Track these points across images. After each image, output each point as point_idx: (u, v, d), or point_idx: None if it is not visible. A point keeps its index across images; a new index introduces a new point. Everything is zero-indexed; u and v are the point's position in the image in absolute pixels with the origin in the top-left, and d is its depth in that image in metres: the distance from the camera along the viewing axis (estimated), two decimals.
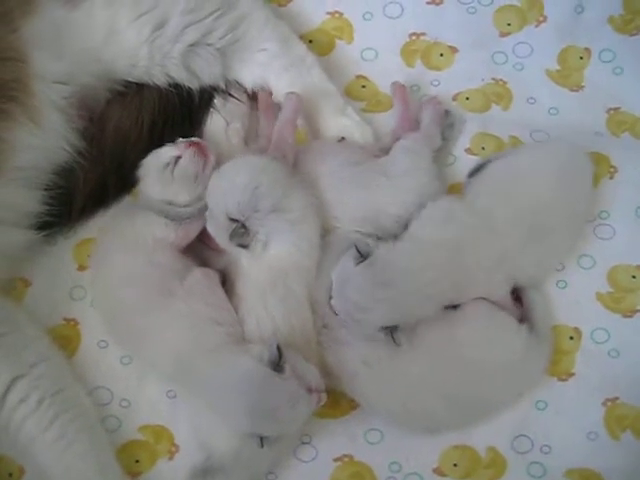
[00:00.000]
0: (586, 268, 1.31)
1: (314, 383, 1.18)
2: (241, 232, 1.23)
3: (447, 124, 1.39)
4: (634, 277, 1.31)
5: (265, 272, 1.25)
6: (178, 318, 1.24)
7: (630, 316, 1.29)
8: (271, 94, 1.41)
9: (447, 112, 1.40)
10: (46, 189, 1.34)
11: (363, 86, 1.46)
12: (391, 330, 1.19)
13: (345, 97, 1.43)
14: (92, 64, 1.32)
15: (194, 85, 1.37)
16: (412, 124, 1.38)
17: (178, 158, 1.31)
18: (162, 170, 1.31)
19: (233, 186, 1.24)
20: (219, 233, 1.26)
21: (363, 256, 1.19)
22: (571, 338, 1.29)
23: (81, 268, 1.36)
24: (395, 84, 1.40)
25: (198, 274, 1.28)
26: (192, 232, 1.30)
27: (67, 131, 1.32)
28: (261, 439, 1.16)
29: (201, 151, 1.31)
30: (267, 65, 1.39)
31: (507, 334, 1.25)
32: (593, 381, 1.27)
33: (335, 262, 1.26)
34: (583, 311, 1.30)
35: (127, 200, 1.38)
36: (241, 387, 1.16)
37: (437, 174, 1.32)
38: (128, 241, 1.30)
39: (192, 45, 1.35)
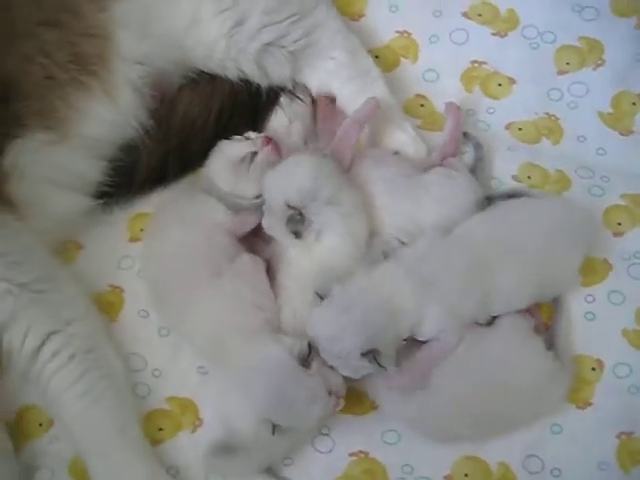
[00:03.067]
0: (615, 304, 1.29)
1: (335, 387, 1.17)
2: (298, 219, 1.24)
3: (475, 143, 1.39)
4: None
5: (312, 265, 1.24)
6: (222, 297, 1.25)
7: None
8: (333, 101, 1.41)
9: (466, 133, 1.40)
10: (110, 161, 1.35)
11: (422, 105, 1.46)
12: (373, 355, 1.15)
13: (404, 113, 1.43)
14: (172, 49, 1.34)
15: (263, 82, 1.38)
16: (458, 146, 1.38)
17: (254, 154, 1.32)
18: (237, 163, 1.33)
19: (295, 175, 1.26)
20: (276, 222, 1.26)
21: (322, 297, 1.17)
22: (593, 369, 1.26)
23: (132, 240, 1.36)
24: (450, 104, 1.40)
25: (246, 258, 1.28)
26: (249, 224, 1.31)
27: (138, 109, 1.34)
28: (273, 427, 1.15)
29: (276, 149, 1.33)
30: (334, 73, 1.40)
31: (536, 358, 1.23)
32: (610, 413, 1.24)
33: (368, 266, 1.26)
34: (608, 345, 1.28)
35: (186, 181, 1.38)
36: (266, 373, 1.16)
37: (475, 198, 1.30)
38: (186, 219, 1.31)
39: (267, 45, 1.36)
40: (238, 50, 1.34)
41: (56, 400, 1.20)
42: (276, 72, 1.38)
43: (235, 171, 1.32)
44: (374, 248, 1.28)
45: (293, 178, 1.26)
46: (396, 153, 1.37)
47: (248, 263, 1.27)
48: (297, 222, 1.24)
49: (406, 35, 1.49)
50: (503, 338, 1.24)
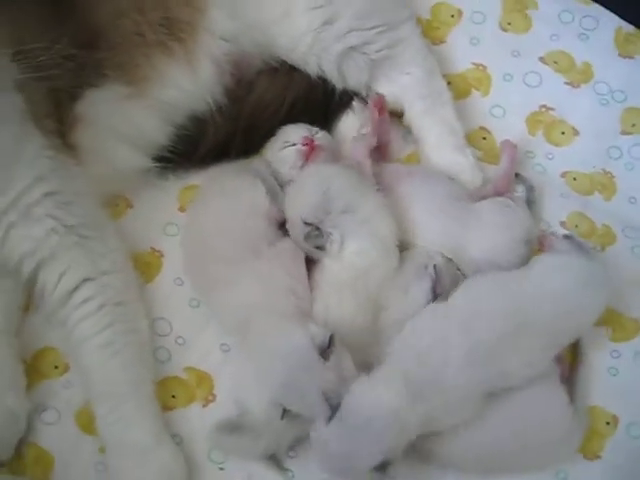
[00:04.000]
0: None
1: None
2: (315, 234, 1.25)
3: (528, 185, 1.38)
4: None
5: (347, 271, 1.23)
6: (257, 277, 1.24)
7: None
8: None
9: (519, 175, 1.39)
10: (177, 128, 1.35)
11: (484, 138, 1.46)
12: (382, 467, 1.10)
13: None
14: (258, 34, 1.35)
15: (339, 84, 1.39)
16: (511, 184, 1.37)
17: (293, 144, 1.35)
18: (278, 149, 1.35)
19: (304, 192, 1.27)
20: (298, 239, 1.26)
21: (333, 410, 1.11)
22: (607, 423, 1.24)
23: (181, 209, 1.37)
24: (506, 142, 1.39)
25: (288, 244, 1.28)
26: (281, 214, 1.31)
27: (215, 84, 1.35)
28: (283, 411, 1.14)
29: (308, 153, 1.32)
30: (408, 88, 1.40)
31: (559, 410, 1.19)
32: (617, 469, 1.22)
33: (408, 276, 1.25)
34: (627, 402, 1.26)
35: (244, 163, 1.38)
36: (285, 357, 1.14)
37: (529, 233, 1.29)
38: (228, 196, 1.30)
39: (350, 48, 1.37)
40: (322, 48, 1.35)
41: (78, 346, 1.20)
42: (354, 76, 1.38)
43: (276, 148, 1.34)
44: (416, 259, 1.26)
45: (303, 195, 1.27)
46: (450, 179, 1.36)
47: (288, 249, 1.27)
48: (315, 237, 1.25)
49: (481, 68, 1.50)
50: (530, 386, 1.18)
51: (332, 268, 1.25)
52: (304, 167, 1.33)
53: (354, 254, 1.24)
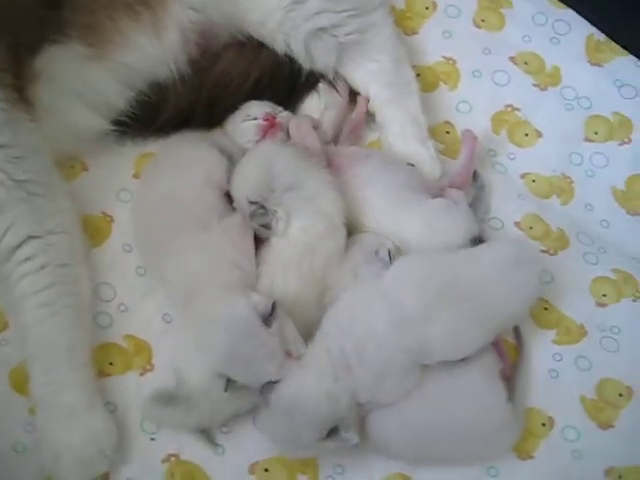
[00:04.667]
0: (581, 369, 1.27)
1: (294, 350, 1.14)
2: (260, 212, 1.24)
3: (478, 185, 1.38)
4: (621, 395, 1.26)
5: (293, 248, 1.23)
6: (204, 249, 1.23)
7: (604, 429, 1.24)
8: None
9: (476, 173, 1.38)
10: (137, 93, 1.32)
11: (447, 132, 1.45)
12: (334, 432, 1.12)
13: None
14: (228, 6, 1.33)
15: (306, 65, 1.37)
16: (469, 177, 1.36)
17: (255, 119, 1.33)
18: (240, 120, 1.33)
19: (248, 171, 1.26)
20: (245, 218, 1.25)
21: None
22: (543, 424, 1.24)
23: (136, 176, 1.35)
24: (468, 132, 1.38)
25: (237, 219, 1.26)
26: None
27: (180, 53, 1.32)
28: (227, 383, 1.13)
29: (268, 130, 1.31)
30: (375, 75, 1.39)
31: (495, 405, 1.18)
32: (548, 470, 1.22)
33: (357, 259, 1.24)
34: (563, 406, 1.26)
35: (202, 135, 1.35)
36: (228, 326, 1.14)
37: (464, 238, 1.27)
38: (183, 166, 1.29)
39: (320, 30, 1.35)
40: (291, 26, 1.34)
41: (17, 303, 1.17)
42: (321, 58, 1.37)
43: (236, 122, 1.33)
44: (366, 242, 1.25)
45: (246, 174, 1.27)
46: (410, 165, 1.36)
47: (237, 224, 1.25)
48: (260, 216, 1.24)
49: (451, 62, 1.49)
50: (469, 376, 1.19)
51: (278, 245, 1.24)
52: (259, 143, 1.31)
53: (299, 231, 1.24)
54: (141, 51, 1.30)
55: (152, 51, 1.31)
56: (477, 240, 1.30)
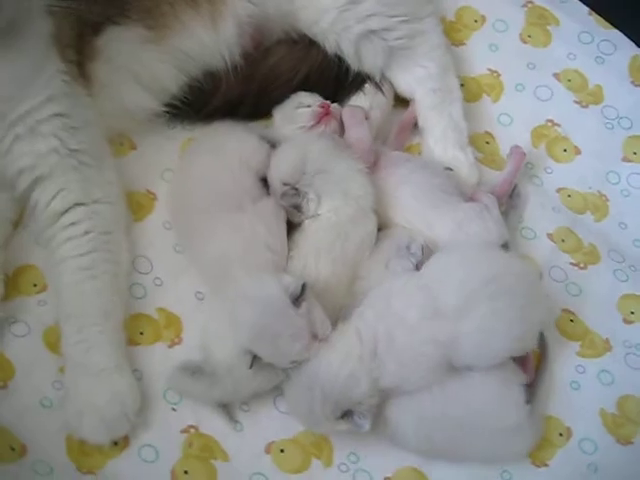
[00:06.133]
0: (603, 383, 1.26)
1: (321, 332, 1.15)
2: (291, 193, 1.26)
3: (514, 194, 1.37)
4: None
5: (324, 231, 1.24)
6: (238, 230, 1.24)
7: (623, 444, 1.22)
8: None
9: (516, 187, 1.38)
10: (190, 79, 1.35)
11: (487, 142, 1.45)
12: (349, 415, 1.13)
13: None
14: (284, 2, 1.35)
15: (354, 65, 1.38)
16: (509, 189, 1.36)
17: (308, 106, 1.35)
18: (293, 107, 1.35)
19: (285, 155, 1.28)
20: (277, 199, 1.27)
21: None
22: (560, 434, 1.22)
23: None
24: (516, 147, 1.38)
25: (271, 203, 1.27)
26: None
27: (234, 44, 1.35)
28: (252, 360, 1.13)
29: (323, 117, 1.33)
30: (420, 81, 1.40)
31: (513, 408, 1.17)
32: None
33: (389, 252, 1.25)
34: (583, 418, 1.24)
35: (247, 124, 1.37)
36: (257, 303, 1.14)
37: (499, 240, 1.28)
38: (220, 150, 1.30)
39: (370, 32, 1.36)
40: (343, 27, 1.35)
41: (58, 265, 1.19)
42: (369, 60, 1.38)
43: (286, 110, 1.35)
44: (398, 237, 1.25)
45: (282, 158, 1.29)
46: (448, 169, 1.36)
47: (271, 207, 1.26)
48: (291, 196, 1.25)
49: (495, 75, 1.50)
50: (489, 379, 1.17)
51: (311, 228, 1.25)
52: (313, 128, 1.33)
53: (329, 211, 1.25)
54: (197, 39, 1.32)
55: (208, 40, 1.33)
56: (506, 247, 1.29)
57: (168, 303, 1.27)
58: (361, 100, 1.40)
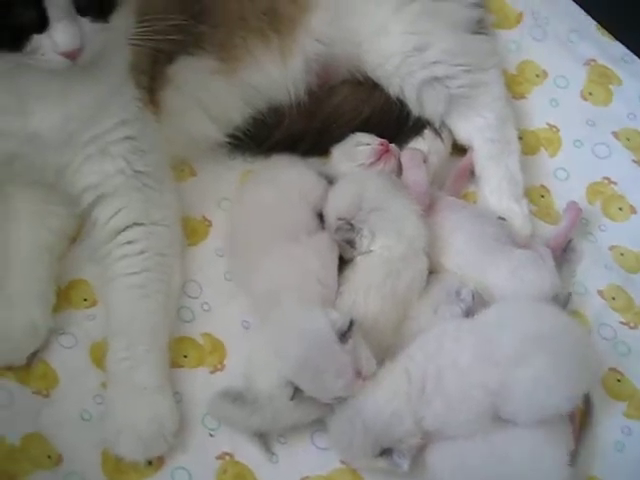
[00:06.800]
0: None
1: (365, 370, 1.13)
2: (346, 228, 1.26)
3: (569, 248, 1.35)
4: None
5: (376, 269, 1.23)
6: (291, 261, 1.24)
7: None
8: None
9: (571, 241, 1.36)
10: (255, 112, 1.37)
11: (542, 196, 1.43)
12: (388, 454, 1.11)
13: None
14: (352, 45, 1.37)
15: (415, 110, 1.39)
16: (564, 243, 1.34)
17: (368, 144, 1.37)
18: (353, 145, 1.36)
19: (341, 190, 1.29)
20: (331, 233, 1.27)
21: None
22: None
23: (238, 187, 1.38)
24: (573, 203, 1.37)
25: (326, 237, 1.27)
26: None
27: (300, 81, 1.37)
28: (294, 392, 1.11)
29: (382, 154, 1.34)
30: (479, 130, 1.40)
31: (556, 470, 1.12)
32: None
33: (439, 297, 1.23)
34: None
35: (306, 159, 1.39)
36: (304, 336, 1.13)
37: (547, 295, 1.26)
38: (282, 181, 1.31)
39: (434, 79, 1.37)
40: (408, 72, 1.36)
41: (111, 282, 1.20)
42: (431, 106, 1.38)
43: (346, 148, 1.36)
44: (448, 282, 1.24)
45: (339, 193, 1.30)
46: (501, 219, 1.35)
47: (326, 242, 1.26)
48: (346, 231, 1.25)
49: (554, 130, 1.48)
50: (533, 435, 1.13)
51: (362, 264, 1.24)
52: (371, 166, 1.33)
53: (382, 249, 1.24)
54: (266, 73, 1.35)
55: (276, 75, 1.35)
56: (560, 299, 1.27)
57: (214, 329, 1.27)
58: (420, 144, 1.40)
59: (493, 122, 1.41)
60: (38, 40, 1.03)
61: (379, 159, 1.35)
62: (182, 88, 1.30)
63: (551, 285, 1.27)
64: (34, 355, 1.20)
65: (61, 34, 1.03)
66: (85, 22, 1.06)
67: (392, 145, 1.37)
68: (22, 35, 1.03)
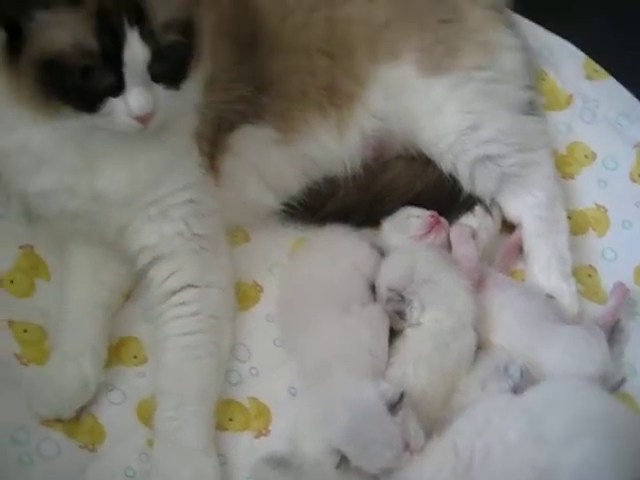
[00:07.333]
0: None
1: (414, 444, 1.10)
2: (397, 299, 1.26)
3: (617, 329, 1.34)
4: None
5: (426, 342, 1.23)
6: (342, 330, 1.24)
7: None
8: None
9: (619, 321, 1.34)
10: (311, 182, 1.39)
11: (589, 275, 1.42)
12: None
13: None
14: (407, 121, 1.38)
15: (467, 186, 1.40)
16: (612, 323, 1.33)
17: (418, 217, 1.38)
18: (404, 217, 1.38)
19: (394, 262, 1.32)
20: (382, 304, 1.27)
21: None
22: None
23: (290, 255, 1.40)
24: (620, 284, 1.36)
25: (377, 308, 1.28)
26: None
27: (356, 154, 1.39)
28: (340, 460, 1.09)
29: (434, 226, 1.36)
30: (529, 208, 1.40)
31: None
32: None
33: (487, 372, 1.22)
34: None
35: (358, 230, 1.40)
36: (354, 406, 1.12)
37: (599, 373, 1.23)
38: (336, 252, 1.33)
39: (486, 157, 1.38)
40: (461, 150, 1.38)
41: (164, 341, 1.21)
42: (482, 183, 1.39)
43: (397, 222, 1.37)
44: (497, 358, 1.23)
45: (391, 265, 1.32)
46: (549, 296, 1.34)
47: (378, 313, 1.27)
48: (396, 302, 1.25)
49: (602, 210, 1.48)
50: None
51: (412, 337, 1.24)
52: (422, 239, 1.34)
53: (431, 321, 1.24)
54: (323, 145, 1.37)
55: (333, 147, 1.38)
56: (607, 378, 1.25)
57: (261, 394, 1.26)
58: (470, 220, 1.41)
59: (543, 200, 1.42)
60: (113, 103, 1.06)
61: (430, 231, 1.36)
62: (241, 155, 1.33)
63: (601, 364, 1.25)
64: (83, 409, 1.19)
65: (136, 99, 1.06)
66: (158, 88, 1.09)
67: (442, 218, 1.38)
68: (98, 98, 1.06)
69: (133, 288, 1.32)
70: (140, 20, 1.05)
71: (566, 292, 1.37)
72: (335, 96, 1.37)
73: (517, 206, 1.42)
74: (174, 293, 1.23)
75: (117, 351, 1.27)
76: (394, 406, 1.11)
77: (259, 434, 1.23)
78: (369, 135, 1.39)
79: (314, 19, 1.35)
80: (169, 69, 1.09)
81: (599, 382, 1.25)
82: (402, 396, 1.12)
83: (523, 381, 1.21)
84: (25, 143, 1.13)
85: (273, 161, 1.35)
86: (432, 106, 1.38)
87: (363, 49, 1.36)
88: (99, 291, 1.27)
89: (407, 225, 1.37)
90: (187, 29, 1.12)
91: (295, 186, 1.39)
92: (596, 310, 1.38)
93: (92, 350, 1.22)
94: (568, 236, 1.42)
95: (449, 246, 1.37)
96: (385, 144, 1.41)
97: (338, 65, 1.36)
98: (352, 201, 1.40)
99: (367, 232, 1.41)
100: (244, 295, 1.34)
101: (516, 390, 1.20)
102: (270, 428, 1.23)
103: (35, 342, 1.24)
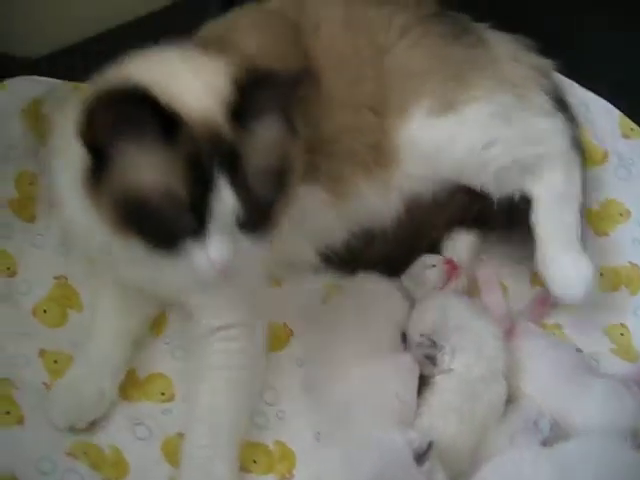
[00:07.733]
0: None
1: None
2: (428, 344, 1.26)
3: None
4: None
5: (456, 390, 1.21)
6: (372, 376, 1.23)
7: None
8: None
9: None
10: (351, 236, 1.38)
11: (622, 334, 1.40)
12: None
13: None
14: (439, 185, 1.38)
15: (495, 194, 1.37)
16: None
17: (434, 266, 1.39)
18: (420, 269, 1.38)
19: (425, 309, 1.33)
20: (413, 349, 1.28)
21: None
22: None
23: (322, 301, 1.38)
24: None
25: (409, 357, 1.27)
26: None
27: (394, 212, 1.38)
28: None
29: (451, 273, 1.37)
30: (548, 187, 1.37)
31: None
32: None
33: (516, 425, 1.20)
34: None
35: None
36: (381, 453, 1.10)
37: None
38: (371, 299, 1.33)
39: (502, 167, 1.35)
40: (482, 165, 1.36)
41: (204, 371, 1.20)
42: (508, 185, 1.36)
43: (415, 273, 1.37)
44: (526, 411, 1.21)
45: (423, 312, 1.32)
46: (579, 350, 1.34)
47: (409, 362, 1.26)
48: (427, 347, 1.25)
49: (636, 269, 1.47)
50: None
51: (442, 385, 1.23)
52: (444, 287, 1.35)
53: (461, 368, 1.23)
54: (367, 203, 1.36)
55: (375, 204, 1.37)
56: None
57: (286, 438, 1.25)
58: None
59: (561, 178, 1.37)
60: (190, 246, 1.00)
61: (449, 278, 1.37)
62: (288, 215, 1.27)
63: (635, 417, 1.22)
64: (109, 444, 1.18)
65: (216, 247, 1.00)
66: (241, 238, 1.03)
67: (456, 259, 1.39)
68: (176, 239, 1.01)
69: (160, 325, 1.31)
70: (233, 167, 0.99)
71: (576, 261, 1.33)
72: (381, 155, 1.35)
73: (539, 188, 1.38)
74: (219, 330, 1.22)
75: (144, 387, 1.26)
76: (421, 456, 1.09)
77: (282, 478, 1.21)
78: (407, 193, 1.37)
79: (365, 72, 1.33)
80: (257, 219, 1.04)
81: (629, 437, 1.20)
82: (430, 446, 1.10)
83: (552, 434, 1.19)
84: (104, 246, 1.12)
85: (320, 221, 1.35)
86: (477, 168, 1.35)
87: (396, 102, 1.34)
88: (127, 319, 1.27)
89: (425, 277, 1.37)
90: (282, 177, 1.07)
91: (337, 242, 1.39)
92: (627, 368, 1.35)
93: (112, 368, 1.22)
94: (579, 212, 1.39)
95: (471, 290, 1.38)
96: (419, 202, 1.39)
97: (385, 122, 1.34)
98: (384, 253, 1.40)
99: (398, 280, 1.40)
100: (275, 337, 1.34)
101: (545, 444, 1.18)
102: (294, 472, 1.21)
103: (63, 372, 1.23)
